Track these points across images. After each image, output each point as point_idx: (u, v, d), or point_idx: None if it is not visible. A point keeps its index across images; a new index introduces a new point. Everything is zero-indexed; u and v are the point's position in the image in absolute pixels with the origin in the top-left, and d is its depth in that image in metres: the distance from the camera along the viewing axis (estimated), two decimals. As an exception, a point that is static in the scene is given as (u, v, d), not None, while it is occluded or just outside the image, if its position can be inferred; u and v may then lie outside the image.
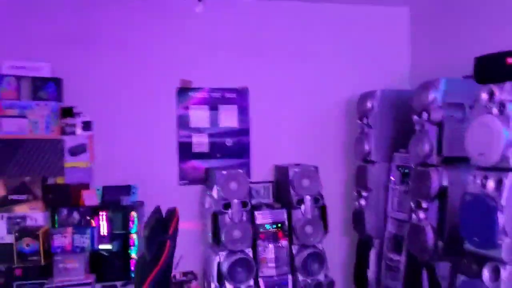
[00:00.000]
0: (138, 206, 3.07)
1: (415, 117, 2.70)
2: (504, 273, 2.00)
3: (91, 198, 2.91)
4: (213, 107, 3.48)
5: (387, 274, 3.03)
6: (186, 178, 3.43)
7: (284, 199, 3.27)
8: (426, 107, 2.62)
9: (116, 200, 3.04)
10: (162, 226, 2.19)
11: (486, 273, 2.05)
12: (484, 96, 2.14)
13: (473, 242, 2.10)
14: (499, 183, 2.04)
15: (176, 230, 2.17)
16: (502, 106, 2.05)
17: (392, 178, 3.08)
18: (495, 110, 2.07)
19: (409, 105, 2.78)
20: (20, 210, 2.77)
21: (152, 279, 2.02)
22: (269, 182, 3.49)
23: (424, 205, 2.61)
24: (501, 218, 1.99)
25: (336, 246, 3.58)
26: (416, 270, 2.68)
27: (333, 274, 3.27)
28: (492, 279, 2.03)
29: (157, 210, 2.36)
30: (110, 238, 3.06)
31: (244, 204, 3.01)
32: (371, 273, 3.17)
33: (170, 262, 2.11)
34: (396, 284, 2.92)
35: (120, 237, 3.06)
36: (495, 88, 2.10)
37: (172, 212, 2.23)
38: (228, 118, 3.51)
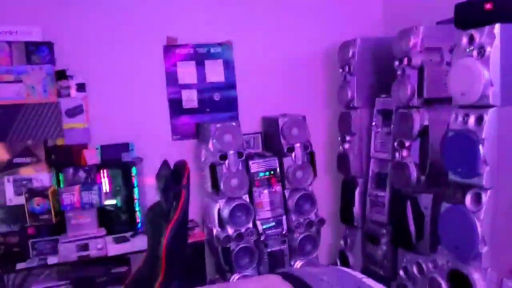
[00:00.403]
0: (138, 162, 3.12)
1: (396, 63, 2.83)
2: (485, 198, 2.23)
3: (92, 157, 2.95)
4: (200, 63, 3.50)
5: (372, 209, 3.25)
6: (178, 134, 3.49)
7: (274, 148, 3.40)
8: (407, 53, 2.75)
9: (117, 157, 3.08)
10: (175, 178, 2.29)
11: (469, 199, 2.27)
12: (465, 40, 2.28)
13: (457, 172, 2.31)
14: (480, 119, 2.23)
15: (188, 180, 2.26)
16: (481, 49, 2.21)
17: (374, 122, 3.24)
18: (475, 53, 2.23)
19: (389, 52, 2.91)
20: (25, 172, 2.79)
21: (172, 226, 2.13)
22: (258, 133, 3.60)
23: (407, 144, 2.79)
24: (482, 150, 2.19)
25: (323, 187, 3.80)
26: (400, 203, 2.90)
27: (322, 213, 3.49)
28: (474, 204, 2.27)
29: (166, 163, 2.45)
30: (114, 193, 3.13)
31: (239, 154, 3.12)
32: (356, 209, 3.40)
33: (186, 210, 2.23)
34: (381, 218, 3.16)
35: (123, 192, 3.14)
36: (474, 33, 2.24)
37: (183, 165, 2.32)
38: (215, 73, 3.55)
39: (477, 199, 2.26)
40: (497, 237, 2.26)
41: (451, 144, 2.35)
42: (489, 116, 2.20)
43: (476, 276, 2.29)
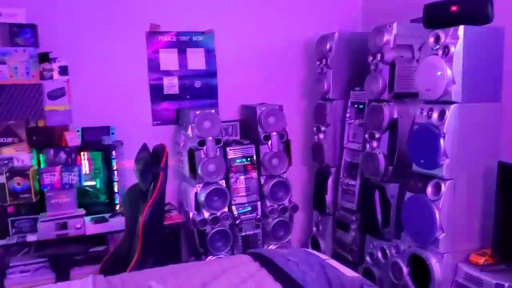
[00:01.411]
0: (118, 145, 3.20)
1: (370, 58, 2.96)
2: (444, 188, 2.39)
3: (73, 139, 3.01)
4: (182, 50, 3.57)
5: (343, 197, 3.40)
6: (159, 119, 3.57)
7: (251, 135, 3.51)
8: (380, 48, 2.88)
9: (97, 140, 3.15)
10: (154, 160, 2.38)
11: (429, 189, 2.43)
12: (431, 39, 2.42)
13: (420, 164, 2.47)
14: (442, 114, 2.38)
15: (166, 163, 2.36)
16: (446, 48, 2.35)
17: (348, 113, 3.37)
18: (440, 52, 2.37)
19: (365, 47, 3.03)
20: (6, 152, 2.84)
21: (150, 205, 2.23)
22: (236, 120, 3.70)
23: (377, 135, 2.94)
24: (443, 143, 2.35)
25: (298, 175, 3.94)
26: (369, 192, 3.05)
27: (296, 199, 3.63)
28: (434, 193, 2.42)
29: (145, 146, 2.53)
30: (93, 175, 3.20)
31: (217, 141, 3.22)
32: (329, 197, 3.54)
33: (163, 191, 2.33)
34: (351, 205, 3.31)
35: (103, 174, 3.21)
36: (440, 33, 2.38)
37: (161, 148, 2.41)
38: (196, 61, 3.62)
39: (437, 189, 2.42)
40: (453, 224, 2.42)
41: (415, 136, 2.50)
42: (450, 112, 2.35)
43: (433, 261, 2.46)
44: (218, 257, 3.25)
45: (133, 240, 2.55)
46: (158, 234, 2.42)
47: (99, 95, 3.34)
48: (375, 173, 2.95)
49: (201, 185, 3.24)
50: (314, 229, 3.74)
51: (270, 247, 3.47)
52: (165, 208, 3.39)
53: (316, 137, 3.59)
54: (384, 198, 2.95)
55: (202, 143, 3.18)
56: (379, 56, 2.88)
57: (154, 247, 2.34)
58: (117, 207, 3.17)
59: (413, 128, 2.54)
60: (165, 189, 2.37)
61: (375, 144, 2.96)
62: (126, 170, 3.31)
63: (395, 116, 2.86)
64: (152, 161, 2.37)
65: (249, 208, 3.40)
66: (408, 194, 2.59)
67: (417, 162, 2.49)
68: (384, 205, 2.95)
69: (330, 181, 3.54)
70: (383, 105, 2.89)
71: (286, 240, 3.51)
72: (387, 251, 2.89)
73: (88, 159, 3.19)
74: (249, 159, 3.41)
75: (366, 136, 3.01)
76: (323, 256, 2.13)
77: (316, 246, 3.68)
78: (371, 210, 3.02)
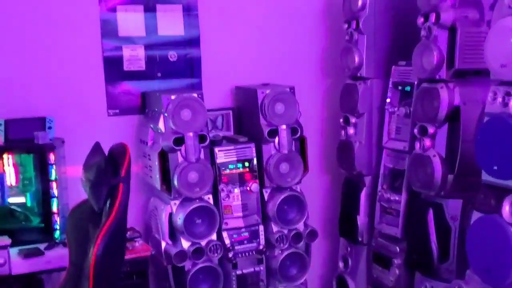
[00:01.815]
0: (58, 144, 3.21)
1: (420, 20, 2.97)
2: (526, 205, 2.40)
3: (-8, 136, 3.03)
4: (149, 8, 3.59)
5: (382, 219, 3.42)
6: (116, 107, 3.59)
7: (251, 130, 3.53)
8: (435, 6, 2.89)
9: (27, 137, 3.16)
10: (110, 168, 2.40)
11: (506, 207, 2.44)
12: (510, -7, 2.43)
13: (492, 172, 2.47)
14: (525, 100, 2.39)
15: (129, 171, 2.38)
16: (531, 5, 2.36)
17: (389, 98, 3.39)
18: (522, 11, 2.37)
19: (412, 4, 3.04)
20: None
21: (105, 233, 2.25)
22: (229, 109, 3.72)
23: (430, 130, 2.95)
24: (526, 142, 2.36)
25: (317, 187, 3.98)
26: (420, 211, 3.06)
27: (314, 222, 3.66)
28: (513, 213, 2.44)
29: (98, 147, 2.55)
30: (22, 188, 3.21)
31: (201, 138, 3.24)
32: (362, 218, 3.57)
33: (124, 211, 2.34)
34: (394, 230, 3.33)
35: (36, 186, 3.22)
36: (523, -17, 2.39)
37: (122, 150, 2.43)
38: (171, 22, 3.65)
39: (517, 207, 2.43)
40: (541, 258, 2.43)
41: (486, 132, 2.50)
42: (537, 97, 2.36)
43: (512, 310, 2.47)
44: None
45: (80, 283, 2.57)
46: (117, 274, 2.43)
47: (29, 73, 3.35)
48: (429, 185, 2.96)
49: (177, 202, 3.26)
50: (341, 264, 3.77)
51: (278, 291, 3.51)
52: (127, 236, 3.42)
53: (343, 132, 3.61)
54: (441, 221, 2.96)
55: (179, 141, 3.20)
56: (433, 16, 2.89)
57: (111, 293, 2.36)
58: (57, 234, 3.17)
59: (483, 120, 2.55)
60: (127, 209, 2.38)
61: (428, 142, 2.97)
62: (70, 181, 3.32)
63: (457, 102, 2.87)
64: (107, 169, 2.38)
65: (247, 235, 3.42)
66: (475, 215, 2.60)
67: (489, 168, 2.50)
68: (441, 230, 2.97)
69: (363, 196, 3.56)
70: (439, 87, 2.90)
71: (301, 281, 3.53)
72: (446, 296, 2.92)
73: (14, 165, 3.20)
74: (247, 164, 3.43)
75: (415, 131, 3.02)
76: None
77: (344, 290, 3.71)
78: (422, 238, 3.03)
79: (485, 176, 2.53)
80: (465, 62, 2.88)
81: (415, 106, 3.06)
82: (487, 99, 2.53)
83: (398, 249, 3.31)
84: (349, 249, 3.73)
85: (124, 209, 2.34)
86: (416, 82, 3.14)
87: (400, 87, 3.32)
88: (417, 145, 3.03)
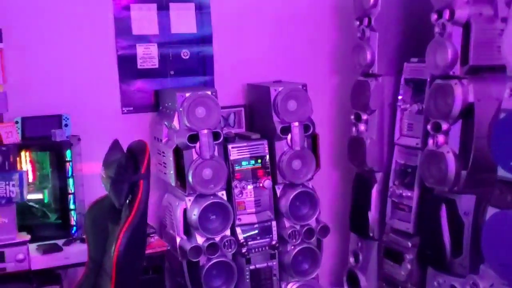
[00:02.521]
0: (74, 142, 3.20)
1: (434, 16, 2.95)
2: (544, 201, 2.38)
3: (10, 133, 3.00)
4: (163, 6, 3.57)
5: (394, 215, 3.41)
6: (130, 104, 3.57)
7: (263, 127, 3.52)
8: (449, 3, 2.87)
9: (45, 135, 3.15)
10: (130, 164, 2.38)
11: (523, 202, 2.43)
12: (526, -11, 2.41)
13: (509, 167, 2.46)
14: (542, 96, 2.37)
15: (148, 168, 2.36)
16: (548, 2, 2.34)
17: (400, 95, 3.37)
18: (539, 7, 2.36)
19: (424, 2, 3.02)
20: None
21: (127, 229, 2.23)
22: (241, 106, 3.70)
23: (444, 127, 2.93)
24: (543, 137, 2.34)
25: (328, 184, 3.96)
26: (432, 207, 3.04)
27: (325, 218, 3.64)
28: (530, 208, 2.42)
29: (117, 144, 2.55)
30: (40, 185, 3.19)
31: (215, 135, 3.22)
32: (373, 214, 3.55)
33: (145, 207, 2.33)
34: (406, 226, 3.31)
35: (52, 183, 3.20)
36: (540, -20, 2.37)
37: (141, 147, 2.41)
38: (184, 21, 3.63)
39: (534, 203, 2.42)
40: (557, 253, 2.42)
41: (502, 128, 2.49)
42: (554, 93, 2.34)
43: (528, 305, 2.46)
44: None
45: (100, 279, 2.56)
46: (138, 269, 2.42)
47: (46, 71, 3.33)
48: (442, 181, 2.94)
49: (192, 198, 3.24)
50: (352, 260, 3.75)
51: (290, 285, 3.49)
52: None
53: (354, 129, 3.59)
54: (454, 216, 2.95)
55: (193, 138, 3.18)
56: (447, 13, 2.87)
57: (132, 288, 2.35)
58: (74, 230, 3.16)
59: (498, 116, 2.53)
60: (147, 205, 2.37)
61: (441, 139, 2.95)
62: (86, 178, 3.31)
63: (471, 99, 2.85)
64: (128, 165, 2.37)
65: (260, 231, 3.41)
66: (490, 211, 2.59)
67: (505, 164, 2.48)
68: (454, 226, 2.95)
69: (374, 192, 3.54)
70: (453, 83, 2.88)
71: (313, 276, 3.52)
72: (460, 291, 2.90)
73: (31, 162, 3.18)
74: (259, 160, 3.42)
75: (428, 127, 3.01)
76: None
77: (355, 284, 3.68)
78: (435, 233, 3.01)
79: (501, 172, 2.52)
80: (479, 59, 2.86)
81: (428, 102, 3.04)
82: (504, 95, 2.52)
83: (410, 244, 3.29)
84: (359, 244, 3.71)
85: (144, 205, 2.34)
86: (429, 79, 3.12)
87: (412, 84, 3.30)
88: (431, 141, 3.02)
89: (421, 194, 3.23)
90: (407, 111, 3.33)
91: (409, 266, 3.30)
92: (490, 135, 2.61)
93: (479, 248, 2.67)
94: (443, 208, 2.99)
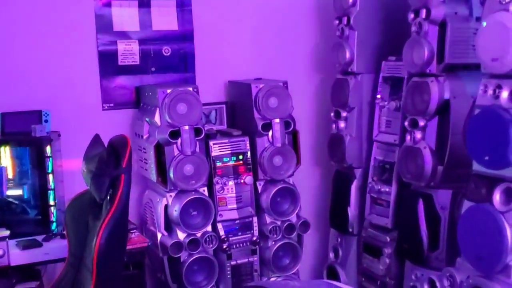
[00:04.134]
0: (54, 137, 3.19)
1: (411, 16, 3.00)
2: (517, 194, 2.44)
3: (-10, 129, 3.00)
4: (144, 3, 3.58)
5: (372, 210, 3.45)
6: (111, 101, 3.58)
7: (244, 124, 3.55)
8: (425, 2, 2.92)
9: (24, 130, 3.14)
10: (111, 159, 2.39)
11: (497, 196, 2.48)
12: (500, -12, 2.46)
13: (483, 161, 2.51)
14: (515, 93, 2.42)
15: (130, 162, 2.37)
16: (521, 1, 2.39)
17: (379, 94, 3.41)
18: (512, 7, 2.41)
19: (401, 2, 3.07)
20: None
21: (107, 223, 2.24)
22: (222, 103, 3.72)
23: (421, 123, 2.98)
24: (516, 133, 2.39)
25: (309, 180, 3.99)
26: (410, 202, 3.10)
27: (306, 213, 3.68)
28: (504, 201, 2.47)
29: (98, 139, 2.56)
30: (19, 181, 3.19)
31: (197, 131, 3.24)
32: (352, 210, 3.59)
33: (126, 202, 2.34)
34: (384, 221, 3.36)
35: (32, 179, 3.20)
36: (513, -21, 2.42)
37: (122, 142, 2.42)
38: (165, 17, 3.64)
39: (508, 196, 2.46)
40: (530, 245, 2.47)
41: (477, 124, 2.54)
42: (527, 89, 2.40)
43: (502, 296, 2.51)
44: (199, 296, 3.28)
45: (80, 274, 2.56)
46: (119, 264, 2.43)
47: (25, 66, 3.33)
48: (419, 176, 2.99)
49: (173, 194, 3.26)
50: (331, 255, 3.79)
51: (272, 280, 3.51)
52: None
53: (334, 126, 3.63)
54: (431, 211, 3.00)
55: (175, 134, 3.19)
56: (423, 12, 2.92)
57: (113, 284, 2.35)
58: (54, 226, 3.16)
59: (473, 112, 2.59)
60: (129, 200, 2.38)
61: (418, 135, 3.00)
62: (66, 173, 3.31)
63: (447, 96, 2.91)
64: (109, 160, 2.38)
65: (241, 227, 3.44)
66: (466, 204, 2.63)
67: (479, 159, 2.53)
68: (431, 220, 3.00)
69: (354, 188, 3.59)
70: (429, 81, 2.93)
71: (293, 271, 3.55)
72: (437, 284, 2.95)
73: (11, 158, 3.17)
74: (241, 157, 3.44)
75: (406, 124, 3.06)
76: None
77: (335, 279, 3.72)
78: (413, 228, 3.06)
79: (476, 166, 2.57)
80: (454, 57, 2.91)
81: (406, 99, 3.09)
82: (478, 91, 2.57)
83: (388, 239, 3.33)
84: (339, 239, 3.75)
85: (126, 200, 2.35)
86: (406, 77, 3.16)
87: (390, 82, 3.35)
88: (408, 137, 3.06)
89: (399, 189, 3.28)
90: (385, 108, 3.37)
91: (387, 260, 3.34)
92: (465, 131, 2.66)
93: (455, 242, 2.71)
94: (420, 203, 3.04)
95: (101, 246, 2.24)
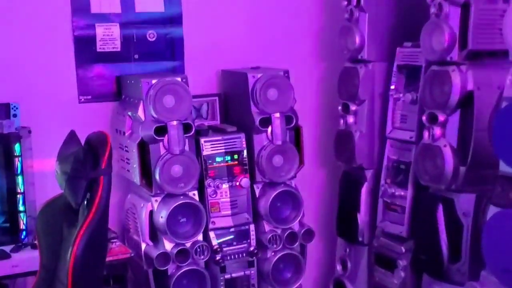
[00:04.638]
0: (24, 134, 3.18)
1: (429, -4, 3.00)
2: (550, 199, 2.43)
3: (-49, 125, 2.99)
4: (126, -18, 3.57)
5: (385, 216, 3.45)
6: (88, 93, 3.57)
7: (240, 119, 3.54)
8: (446, -20, 2.92)
9: (-11, 126, 3.14)
10: (88, 158, 2.38)
11: (527, 201, 2.48)
12: (531, -35, 2.46)
13: (511, 162, 2.51)
14: (548, 84, 2.42)
15: (110, 162, 2.36)
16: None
17: (393, 84, 3.40)
18: (545, -15, 2.41)
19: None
20: None
21: (85, 231, 2.23)
22: (215, 95, 3.71)
23: (440, 118, 2.97)
24: (549, 129, 2.39)
25: (312, 182, 3.99)
26: (428, 207, 3.09)
27: (309, 220, 3.68)
28: (535, 207, 2.47)
29: (73, 136, 2.55)
30: (-17, 184, 3.19)
31: (186, 127, 3.23)
32: (362, 216, 3.59)
33: (106, 207, 2.33)
34: (399, 229, 3.35)
35: (0, 181, 3.19)
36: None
37: (102, 139, 2.41)
38: (150, -2, 3.63)
39: (539, 201, 2.47)
40: None
41: (504, 119, 2.53)
42: (561, 80, 2.39)
43: (533, 315, 2.50)
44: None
45: (54, 288, 2.56)
46: (98, 277, 2.42)
47: (-9, 54, 3.32)
48: (439, 178, 2.99)
49: (159, 198, 3.25)
50: (339, 267, 3.79)
51: (270, 296, 3.52)
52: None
53: (342, 121, 3.63)
54: (452, 217, 3.00)
55: (161, 130, 3.19)
56: (444, -9, 2.92)
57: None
58: (23, 235, 3.15)
59: (500, 105, 2.58)
60: (108, 204, 2.37)
61: (438, 131, 3.00)
62: (38, 175, 3.31)
63: (470, 87, 2.90)
64: (86, 160, 2.36)
65: (236, 236, 3.43)
66: (492, 210, 2.63)
67: (507, 158, 2.52)
68: (452, 228, 3.00)
69: (364, 191, 3.59)
70: (450, 70, 2.92)
71: (296, 286, 3.55)
72: (459, 301, 2.95)
73: (-25, 158, 3.17)
74: (236, 156, 3.44)
75: (424, 119, 3.05)
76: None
77: (342, 295, 3.73)
78: (431, 237, 3.06)
79: (503, 167, 2.56)
80: (479, 43, 2.90)
81: (424, 91, 3.08)
82: (506, 82, 2.56)
83: (403, 249, 3.33)
84: (348, 250, 3.75)
85: (105, 204, 2.34)
86: (424, 65, 3.16)
87: (405, 71, 3.34)
88: (426, 134, 3.06)
89: (416, 193, 3.27)
90: (400, 101, 3.36)
91: (402, 274, 3.34)
92: (491, 127, 2.65)
93: (479, 253, 2.70)
94: (440, 208, 3.03)
95: (77, 257, 2.23)
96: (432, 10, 2.99)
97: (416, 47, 3.17)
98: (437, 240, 3.04)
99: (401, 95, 3.36)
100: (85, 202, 2.39)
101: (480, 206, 2.91)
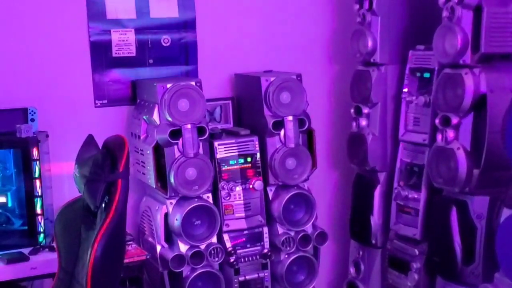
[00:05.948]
0: (42, 138, 3.20)
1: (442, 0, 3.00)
2: None
3: (-31, 129, 3.01)
4: (140, -12, 3.59)
5: (399, 219, 3.44)
6: (104, 97, 3.59)
7: (253, 122, 3.55)
8: (459, -16, 2.92)
9: (8, 130, 3.15)
10: (106, 162, 2.40)
11: (541, 203, 2.48)
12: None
13: (525, 164, 2.51)
14: (561, 86, 2.42)
15: (127, 165, 2.38)
16: None
17: (406, 87, 3.40)
18: (558, -12, 2.41)
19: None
20: None
21: (104, 233, 2.25)
22: (228, 98, 3.73)
23: (454, 121, 2.97)
24: None
25: (323, 185, 3.99)
26: (442, 210, 3.09)
27: (322, 223, 3.69)
28: (549, 209, 2.47)
29: (91, 140, 2.57)
30: (2, 188, 3.21)
31: (200, 130, 3.24)
32: (375, 219, 3.59)
33: (124, 210, 2.34)
34: (412, 231, 3.35)
35: (17, 185, 3.22)
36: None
37: (119, 143, 2.43)
38: (164, 3, 3.64)
39: (553, 203, 2.46)
40: None
41: (518, 121, 2.53)
42: None
43: (548, 316, 2.50)
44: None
45: (72, 290, 2.57)
46: (116, 279, 2.43)
47: (8, 59, 3.34)
48: (452, 181, 2.99)
49: (174, 201, 3.26)
50: (352, 270, 3.79)
51: (284, 299, 3.52)
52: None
53: (354, 124, 3.63)
54: (466, 220, 2.99)
55: (176, 134, 3.20)
56: (457, -5, 2.92)
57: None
58: (41, 237, 3.16)
59: (514, 108, 2.58)
60: (126, 207, 2.38)
61: (451, 134, 2.99)
62: (55, 179, 3.33)
63: (483, 90, 2.90)
64: (105, 163, 2.38)
65: (249, 238, 3.44)
66: (506, 212, 2.63)
67: (521, 161, 2.53)
68: (466, 230, 2.99)
69: (377, 194, 3.58)
70: (463, 73, 2.92)
71: (309, 288, 3.55)
72: (473, 303, 2.95)
73: (-6, 161, 3.19)
74: (249, 159, 3.44)
75: (437, 122, 3.05)
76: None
77: (356, 297, 3.73)
78: (444, 239, 3.06)
79: (517, 169, 2.56)
80: (491, 46, 2.90)
81: (437, 94, 3.08)
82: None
83: (417, 252, 3.33)
84: (361, 252, 3.74)
85: (123, 207, 2.35)
86: (437, 68, 3.16)
87: (418, 74, 3.34)
88: (439, 137, 3.06)
89: (429, 196, 3.27)
90: (413, 104, 3.36)
91: (416, 276, 3.33)
92: (504, 129, 2.65)
93: (493, 255, 2.71)
94: (454, 211, 3.03)
95: (96, 259, 2.24)
96: (445, 13, 2.99)
97: (429, 50, 3.17)
98: (450, 242, 3.04)
99: (413, 98, 3.35)
100: (103, 205, 2.40)
101: (493, 209, 2.90)
